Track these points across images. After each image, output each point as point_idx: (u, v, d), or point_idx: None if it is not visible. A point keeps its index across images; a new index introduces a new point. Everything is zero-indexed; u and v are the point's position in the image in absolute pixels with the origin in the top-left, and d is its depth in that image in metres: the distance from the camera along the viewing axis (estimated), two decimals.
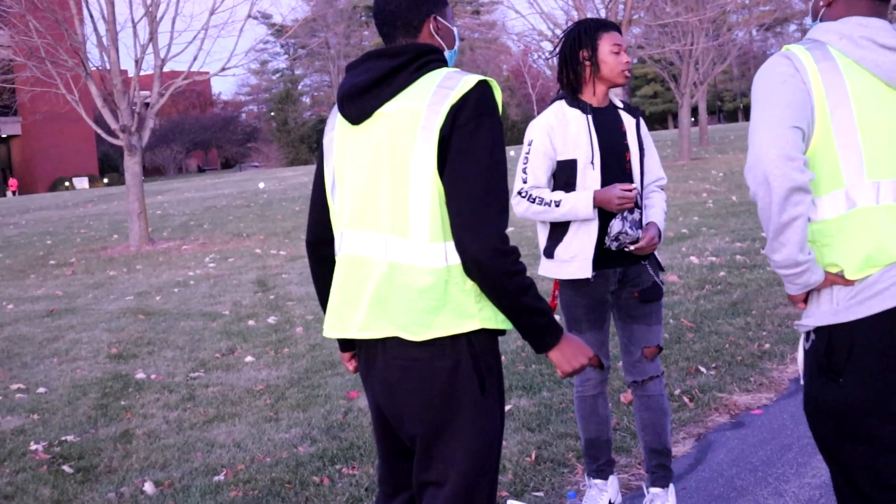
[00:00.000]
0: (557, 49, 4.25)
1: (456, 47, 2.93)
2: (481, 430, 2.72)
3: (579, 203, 4.03)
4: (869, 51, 2.68)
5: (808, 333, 2.80)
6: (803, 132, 2.62)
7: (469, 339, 2.68)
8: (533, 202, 4.10)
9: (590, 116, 4.14)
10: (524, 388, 6.31)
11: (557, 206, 4.05)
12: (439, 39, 2.86)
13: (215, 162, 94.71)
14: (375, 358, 2.79)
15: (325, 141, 2.96)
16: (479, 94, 2.63)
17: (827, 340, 2.71)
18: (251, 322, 9.66)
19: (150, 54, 18.96)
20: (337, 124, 2.89)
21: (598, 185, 4.09)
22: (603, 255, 4.14)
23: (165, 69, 19.21)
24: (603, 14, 22.35)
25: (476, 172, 2.59)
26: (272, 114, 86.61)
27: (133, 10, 18.71)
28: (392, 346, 2.72)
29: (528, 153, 4.17)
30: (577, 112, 4.15)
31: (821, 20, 2.84)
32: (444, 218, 2.65)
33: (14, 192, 69.25)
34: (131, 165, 18.66)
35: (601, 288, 4.20)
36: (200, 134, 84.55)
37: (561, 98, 4.23)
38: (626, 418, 5.55)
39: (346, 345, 3.15)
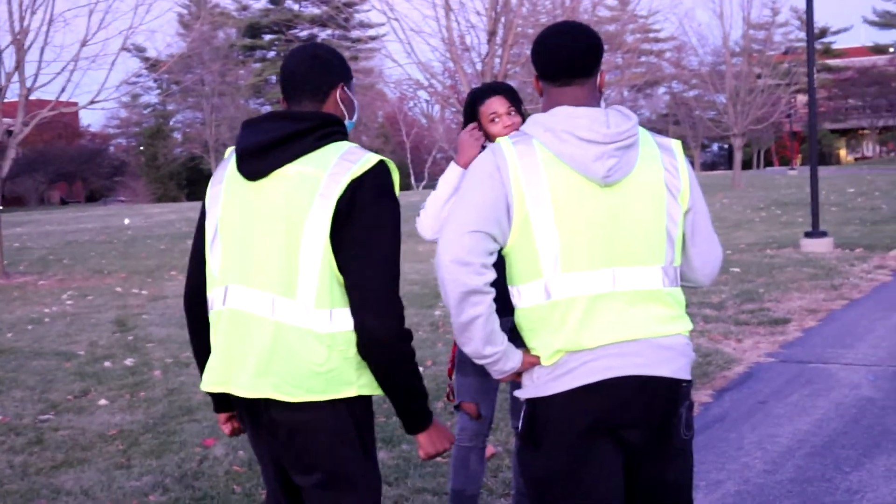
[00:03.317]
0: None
1: (355, 118, 3.04)
2: (366, 487, 2.88)
3: (448, 171, 4.14)
4: (568, 145, 2.78)
5: (523, 403, 2.95)
6: (492, 235, 2.75)
7: (348, 404, 2.80)
8: (423, 208, 4.19)
9: None
10: (383, 441, 6.26)
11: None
12: (343, 108, 2.97)
13: (80, 194, 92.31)
14: (259, 415, 2.86)
15: (211, 193, 2.99)
16: (380, 175, 2.78)
17: (532, 411, 2.87)
18: (107, 363, 9.39)
19: (16, 82, 18.45)
20: (226, 178, 2.94)
21: None
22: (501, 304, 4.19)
23: (32, 97, 18.70)
24: (479, 67, 22.65)
25: (379, 257, 2.74)
26: (141, 148, 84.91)
27: None
28: (273, 406, 2.80)
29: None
30: None
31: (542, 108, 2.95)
32: (331, 285, 2.76)
33: None
34: None
35: None
36: (66, 165, 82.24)
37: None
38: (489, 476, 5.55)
39: (223, 405, 3.14)
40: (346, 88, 2.98)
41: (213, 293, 2.95)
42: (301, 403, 2.76)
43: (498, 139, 2.89)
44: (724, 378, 7.91)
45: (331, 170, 2.76)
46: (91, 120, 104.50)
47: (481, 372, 4.27)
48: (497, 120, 4.19)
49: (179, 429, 6.85)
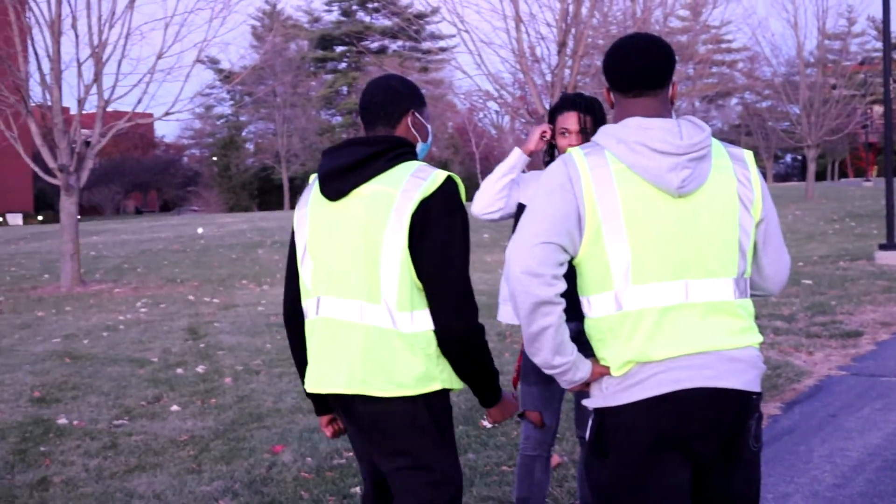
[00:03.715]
0: None
1: (429, 141, 3.36)
2: (444, 473, 3.17)
3: (511, 155, 4.44)
4: (641, 156, 2.78)
5: (592, 412, 2.97)
6: (562, 246, 2.78)
7: (426, 397, 3.11)
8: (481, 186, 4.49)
9: None
10: None
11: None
12: (415, 132, 3.30)
13: (154, 204, 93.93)
14: (353, 412, 3.18)
15: (298, 215, 3.34)
16: (448, 191, 3.09)
17: (599, 421, 2.89)
18: (179, 370, 9.56)
19: (94, 94, 18.84)
20: (311, 200, 3.29)
21: None
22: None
23: (108, 109, 19.09)
24: (549, 78, 22.64)
25: (454, 266, 3.07)
26: (214, 159, 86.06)
27: (79, 50, 18.64)
28: (364, 401, 3.12)
29: None
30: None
31: (614, 118, 2.97)
32: (411, 290, 3.08)
33: None
34: (67, 205, 18.46)
35: None
36: (141, 175, 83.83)
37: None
38: (555, 484, 5.56)
39: (323, 408, 3.50)
40: (417, 114, 3.30)
41: (306, 304, 3.29)
42: (389, 398, 3.08)
43: (569, 149, 2.91)
44: (794, 391, 7.83)
45: (403, 186, 3.07)
46: (165, 131, 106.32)
47: (546, 381, 4.31)
48: (566, 135, 4.32)
49: (249, 435, 6.95)
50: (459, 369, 3.16)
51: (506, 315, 4.45)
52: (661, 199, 2.80)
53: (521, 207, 4.42)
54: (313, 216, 3.25)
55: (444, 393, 3.18)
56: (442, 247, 3.05)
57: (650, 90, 2.89)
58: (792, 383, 8.04)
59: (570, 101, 4.40)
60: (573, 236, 2.79)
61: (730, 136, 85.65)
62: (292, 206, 79.67)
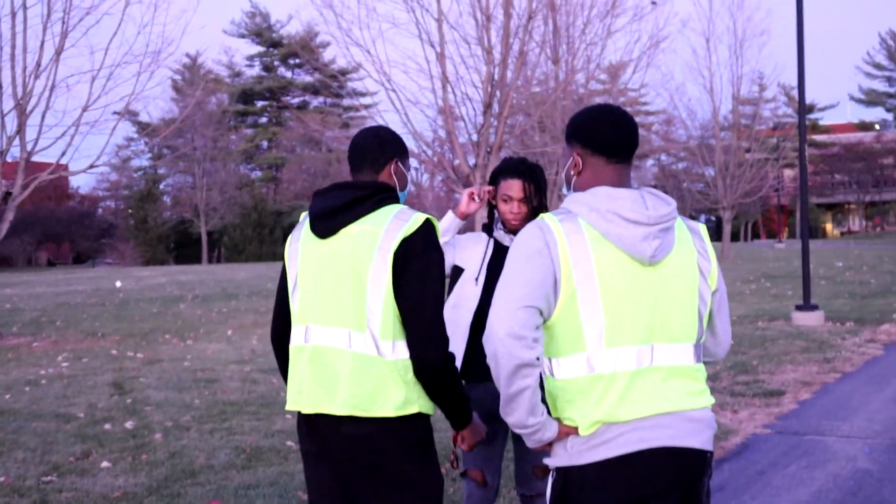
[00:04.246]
0: None
1: (407, 189, 3.69)
2: (426, 489, 3.45)
3: (444, 218, 4.56)
4: (614, 225, 2.92)
5: (552, 471, 3.06)
6: (539, 309, 2.87)
7: (409, 419, 3.40)
8: None
9: (491, 240, 4.53)
10: None
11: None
12: (396, 179, 3.63)
13: (67, 256, 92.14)
14: (327, 436, 3.45)
15: (289, 251, 3.64)
16: (427, 231, 3.41)
17: (563, 479, 2.99)
18: (107, 426, 9.40)
19: (17, 146, 18.60)
20: (301, 238, 3.59)
21: (476, 301, 4.32)
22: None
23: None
24: (474, 137, 22.95)
25: (430, 298, 3.38)
26: (130, 211, 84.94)
27: (2, 102, 18.38)
28: (346, 423, 3.38)
29: None
30: (484, 235, 4.58)
31: (573, 189, 3.10)
32: (393, 320, 3.37)
33: None
34: None
35: (495, 403, 4.32)
36: (54, 226, 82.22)
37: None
38: None
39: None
40: (399, 164, 3.64)
41: (294, 331, 3.57)
42: (372, 419, 3.35)
43: (543, 216, 3.01)
44: (723, 448, 8.00)
45: (387, 227, 3.39)
46: (80, 182, 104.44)
47: (487, 440, 4.36)
48: (508, 202, 4.39)
49: (183, 491, 6.89)
50: (432, 394, 3.42)
51: None
52: (633, 266, 2.93)
53: (456, 270, 4.49)
54: (304, 252, 3.55)
55: (425, 417, 3.46)
56: (419, 281, 3.36)
57: (629, 158, 3.05)
58: (720, 441, 8.21)
59: (515, 168, 4.44)
60: (549, 300, 2.89)
61: None
62: (210, 260, 78.98)
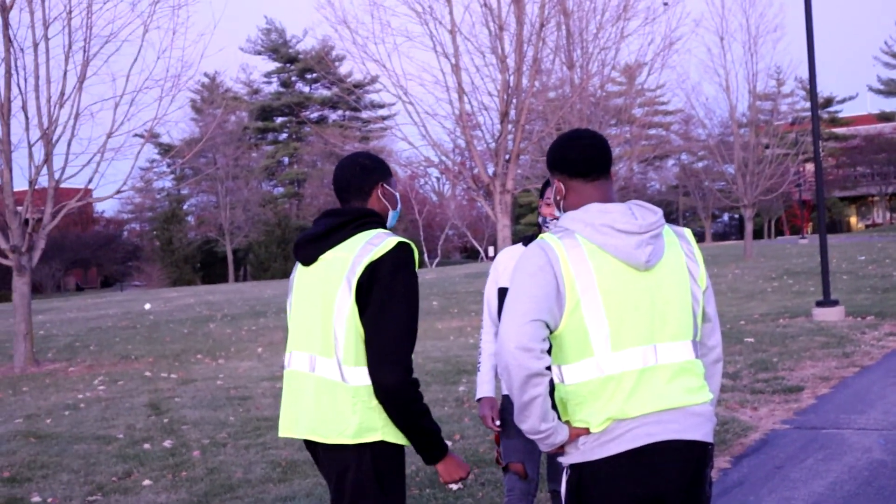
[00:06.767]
0: None
1: (398, 208, 3.76)
2: None
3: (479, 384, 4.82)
4: (609, 237, 3.21)
5: (566, 469, 3.31)
6: (546, 322, 3.10)
7: (372, 448, 3.43)
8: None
9: None
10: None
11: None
12: (385, 202, 3.71)
13: (94, 280, 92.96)
14: (317, 455, 3.62)
15: (291, 279, 3.79)
16: (396, 254, 3.44)
17: (578, 475, 3.24)
18: (147, 445, 9.74)
19: (45, 175, 18.96)
20: (297, 265, 3.73)
21: None
22: None
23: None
24: (492, 146, 23.20)
25: (391, 319, 3.39)
26: (156, 233, 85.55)
27: (29, 133, 18.76)
28: (324, 447, 3.51)
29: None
30: (519, 246, 4.76)
31: (564, 210, 3.38)
32: (357, 347, 3.43)
33: None
34: (20, 286, 18.53)
35: None
36: (81, 251, 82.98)
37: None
38: None
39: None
40: (385, 186, 3.71)
41: (285, 358, 3.74)
42: (336, 445, 3.44)
43: (543, 236, 3.30)
44: (742, 445, 8.24)
45: (357, 252, 3.47)
46: (105, 206, 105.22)
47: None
48: (551, 206, 4.60)
49: None
50: (395, 422, 3.43)
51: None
52: (630, 273, 3.22)
53: (502, 291, 4.68)
54: (296, 280, 3.72)
55: (391, 446, 3.47)
56: (380, 304, 3.39)
57: (606, 173, 3.35)
58: (739, 438, 8.45)
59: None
60: (554, 313, 3.15)
61: (668, 197, 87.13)
62: (237, 279, 79.44)
